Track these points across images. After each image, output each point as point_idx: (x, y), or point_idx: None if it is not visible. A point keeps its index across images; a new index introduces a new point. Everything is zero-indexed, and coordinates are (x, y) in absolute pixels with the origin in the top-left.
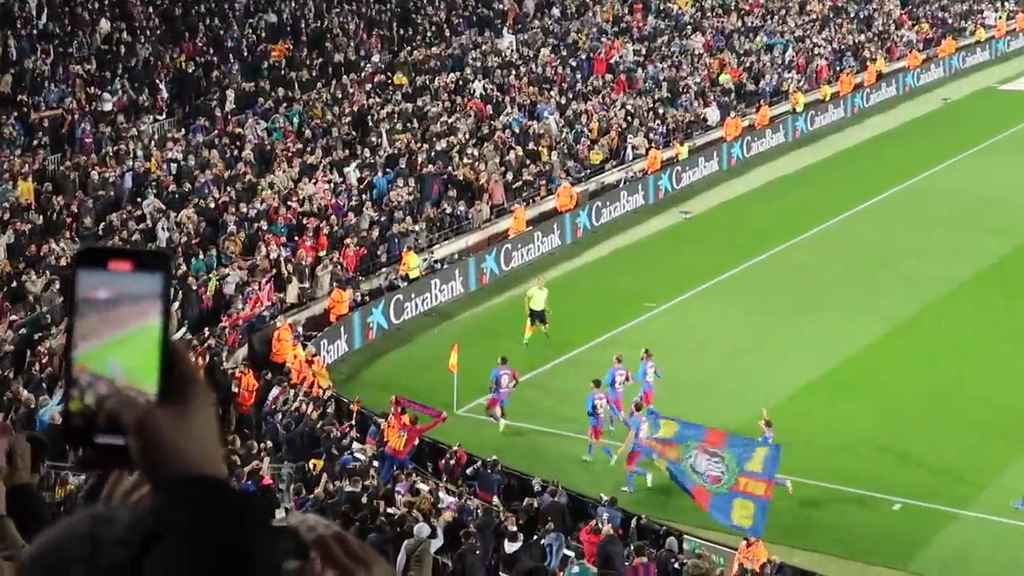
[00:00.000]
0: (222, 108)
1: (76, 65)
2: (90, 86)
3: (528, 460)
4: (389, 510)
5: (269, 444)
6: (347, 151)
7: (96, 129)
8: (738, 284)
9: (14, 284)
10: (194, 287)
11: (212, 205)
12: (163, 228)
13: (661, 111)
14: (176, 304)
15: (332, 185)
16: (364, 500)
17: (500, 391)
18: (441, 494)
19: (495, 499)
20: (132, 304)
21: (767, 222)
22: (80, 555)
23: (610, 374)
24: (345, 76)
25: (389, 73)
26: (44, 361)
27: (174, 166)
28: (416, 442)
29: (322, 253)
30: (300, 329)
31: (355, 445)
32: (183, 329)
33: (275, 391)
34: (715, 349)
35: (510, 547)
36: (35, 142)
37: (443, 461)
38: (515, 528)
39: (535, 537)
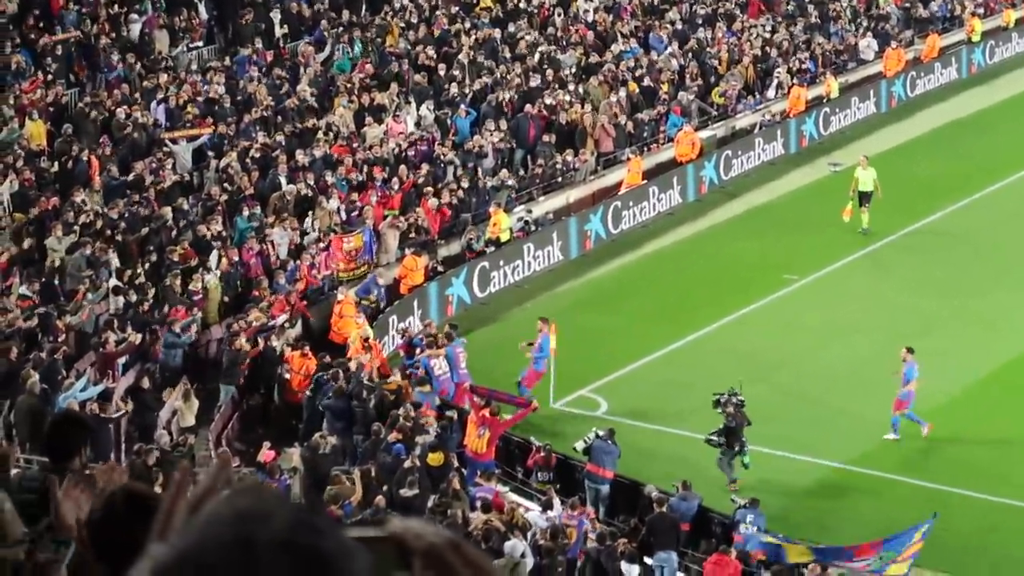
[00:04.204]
0: (272, 33)
1: None
2: (113, 5)
3: (638, 463)
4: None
5: (333, 440)
6: (424, 86)
7: (122, 58)
8: (896, 254)
9: (26, 245)
10: (238, 250)
11: (259, 152)
12: (205, 178)
13: (806, 40)
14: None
15: (405, 128)
16: (434, 508)
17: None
18: (530, 503)
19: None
20: None
21: (933, 178)
22: (230, 564)
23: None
24: None
25: None
26: (61, 339)
27: (215, 103)
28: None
29: (390, 212)
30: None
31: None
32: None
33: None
34: (868, 332)
35: (629, 570)
36: (47, 74)
37: (532, 462)
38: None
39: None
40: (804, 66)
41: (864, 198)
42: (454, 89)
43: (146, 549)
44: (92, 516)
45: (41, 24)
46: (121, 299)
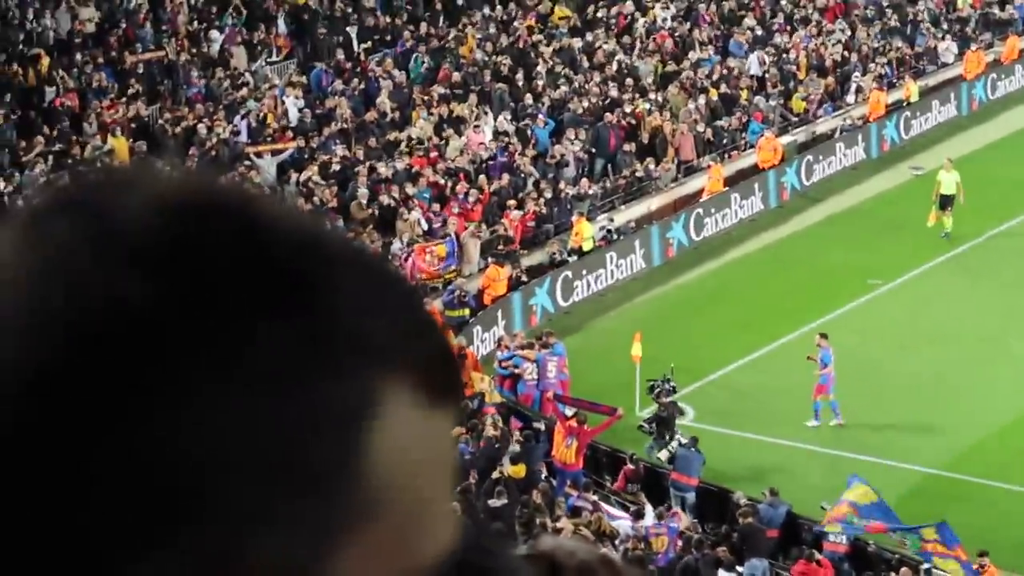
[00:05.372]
0: (350, 47)
1: None
2: (193, 22)
3: (726, 470)
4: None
5: None
6: (502, 97)
7: (204, 74)
8: (981, 257)
9: None
10: None
11: (339, 165)
12: (287, 192)
13: (886, 44)
14: None
15: (484, 139)
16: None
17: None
18: (616, 511)
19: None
20: None
21: (1018, 180)
22: None
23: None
24: (500, 6)
25: (551, 3)
26: None
27: (295, 117)
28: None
29: (471, 224)
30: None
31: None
32: None
33: None
34: (957, 339)
35: None
36: (129, 91)
37: (623, 479)
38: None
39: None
40: (883, 70)
41: (946, 201)
42: (532, 99)
43: None
44: None
45: (122, 42)
46: None
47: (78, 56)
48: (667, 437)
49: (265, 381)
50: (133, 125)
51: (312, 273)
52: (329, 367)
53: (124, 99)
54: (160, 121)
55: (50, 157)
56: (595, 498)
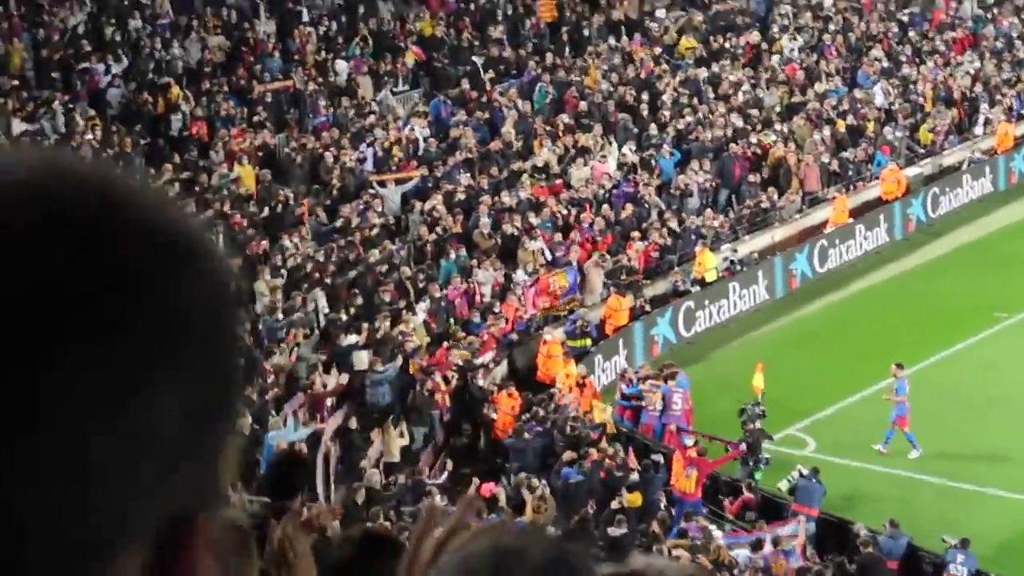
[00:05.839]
0: (476, 77)
1: (306, 27)
2: (320, 52)
3: (846, 502)
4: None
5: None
6: (627, 127)
7: (331, 103)
8: None
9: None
10: (444, 292)
11: (464, 194)
12: (411, 221)
13: (1015, 75)
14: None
15: (609, 169)
16: (639, 548)
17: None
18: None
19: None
20: None
21: None
22: None
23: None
24: (625, 37)
25: (676, 34)
26: (270, 380)
27: (421, 146)
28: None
29: (595, 254)
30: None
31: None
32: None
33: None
34: None
35: None
36: (255, 119)
37: (738, 506)
38: None
39: None
40: (1011, 102)
41: None
42: (656, 129)
43: None
44: (333, 557)
45: (250, 71)
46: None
47: (206, 84)
48: (751, 463)
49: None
50: (260, 153)
51: None
52: None
53: (251, 127)
54: (286, 149)
55: (177, 184)
56: (713, 527)
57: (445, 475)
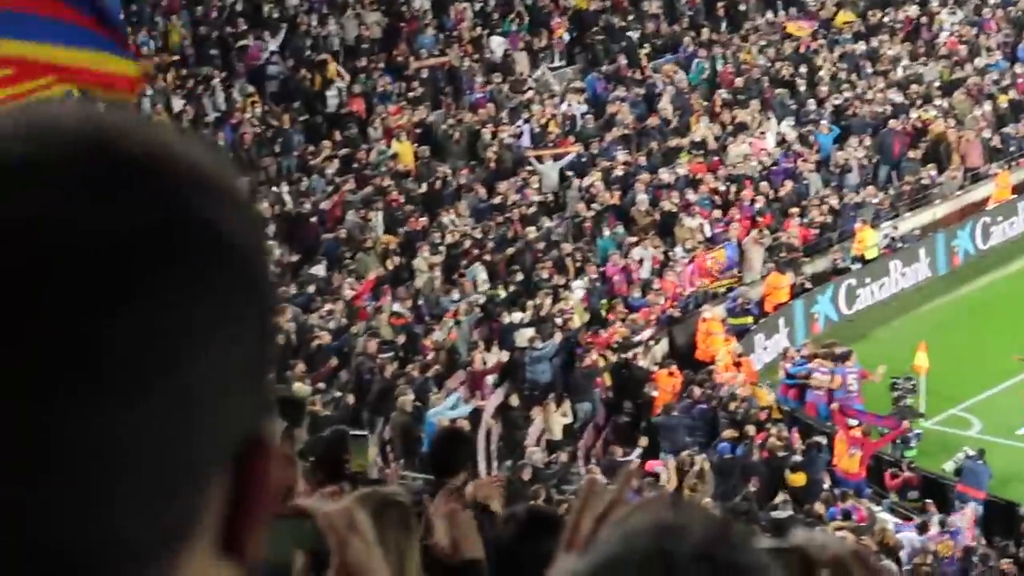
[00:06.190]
0: (633, 52)
1: (461, 3)
2: (476, 28)
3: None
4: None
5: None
6: (783, 103)
7: (487, 79)
8: None
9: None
10: (602, 268)
11: (621, 170)
12: (569, 197)
13: None
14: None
15: (767, 145)
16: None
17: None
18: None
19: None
20: None
21: None
22: None
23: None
24: (783, 11)
25: (835, 7)
26: (430, 357)
27: (578, 122)
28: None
29: (755, 231)
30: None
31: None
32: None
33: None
34: None
35: None
36: (412, 95)
37: (898, 483)
38: None
39: None
40: None
41: None
42: (815, 105)
43: (554, 563)
44: (496, 534)
45: (408, 47)
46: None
47: (363, 61)
48: (899, 440)
49: None
50: (417, 130)
51: None
52: None
53: (408, 104)
54: (443, 126)
55: (336, 161)
56: (877, 508)
57: (639, 450)
